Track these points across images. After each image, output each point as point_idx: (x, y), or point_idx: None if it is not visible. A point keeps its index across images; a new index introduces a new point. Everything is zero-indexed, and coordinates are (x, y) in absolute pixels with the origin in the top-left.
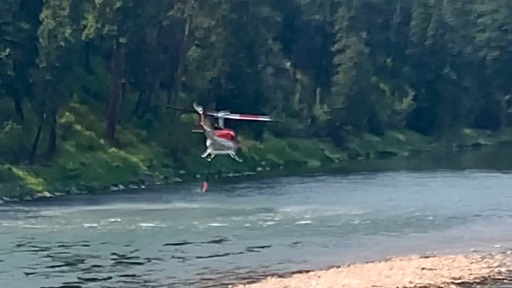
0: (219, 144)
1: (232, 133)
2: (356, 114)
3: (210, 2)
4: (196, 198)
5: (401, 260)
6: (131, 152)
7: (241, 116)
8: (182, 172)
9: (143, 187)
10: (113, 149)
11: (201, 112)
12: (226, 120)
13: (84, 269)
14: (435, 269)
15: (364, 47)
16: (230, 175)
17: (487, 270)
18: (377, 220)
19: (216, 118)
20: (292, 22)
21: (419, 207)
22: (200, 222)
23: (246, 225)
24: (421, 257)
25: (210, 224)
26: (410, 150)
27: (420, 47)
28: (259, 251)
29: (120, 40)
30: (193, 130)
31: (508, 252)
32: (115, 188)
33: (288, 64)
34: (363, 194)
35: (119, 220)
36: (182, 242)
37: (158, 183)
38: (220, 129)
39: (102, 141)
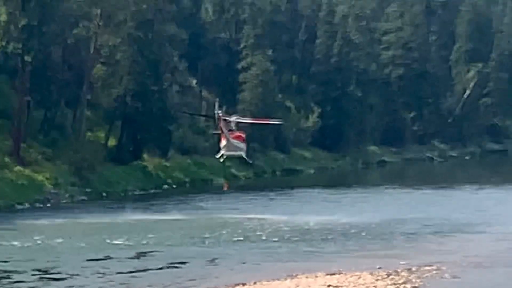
0: (233, 145)
1: (243, 135)
2: (262, 131)
3: (116, 20)
4: (108, 214)
5: (307, 277)
6: (37, 170)
7: (253, 120)
8: (88, 190)
9: (48, 205)
10: (19, 167)
11: (220, 115)
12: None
13: (6, 286)
14: (341, 286)
15: (270, 64)
16: (136, 193)
17: (393, 287)
18: (285, 236)
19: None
20: (198, 40)
21: (328, 223)
22: (120, 238)
23: (167, 241)
24: (327, 275)
25: (130, 240)
26: (316, 167)
27: (325, 65)
28: (177, 267)
29: (25, 58)
30: (212, 131)
31: (413, 269)
32: (20, 207)
33: (194, 81)
34: (272, 210)
35: (35, 237)
36: (104, 257)
37: (64, 201)
38: (233, 131)
39: (7, 159)
